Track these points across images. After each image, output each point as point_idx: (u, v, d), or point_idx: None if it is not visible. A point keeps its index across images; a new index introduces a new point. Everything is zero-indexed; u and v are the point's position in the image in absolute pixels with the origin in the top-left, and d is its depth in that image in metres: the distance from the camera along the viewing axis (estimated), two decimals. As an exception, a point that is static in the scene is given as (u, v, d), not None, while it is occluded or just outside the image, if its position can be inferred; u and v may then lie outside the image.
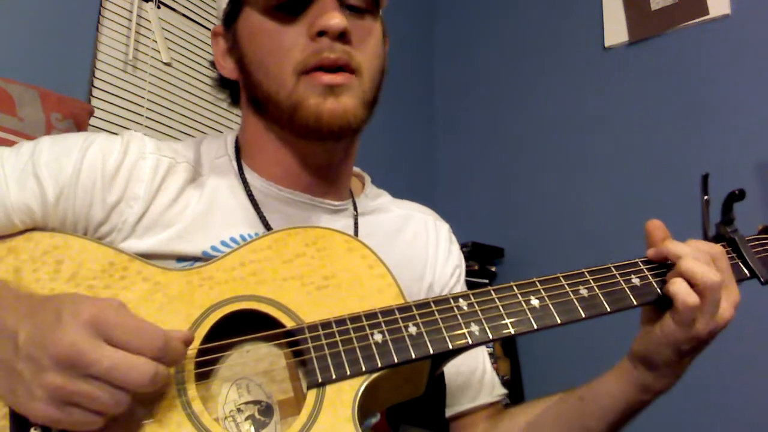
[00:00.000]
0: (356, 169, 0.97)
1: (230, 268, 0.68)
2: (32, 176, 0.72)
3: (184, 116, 1.92)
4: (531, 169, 2.48)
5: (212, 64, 0.89)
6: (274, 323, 0.65)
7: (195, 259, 0.75)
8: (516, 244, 2.41)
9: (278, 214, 0.82)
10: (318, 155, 0.83)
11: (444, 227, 1.00)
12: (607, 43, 2.37)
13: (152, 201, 0.76)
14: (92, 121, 1.58)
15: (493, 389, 0.93)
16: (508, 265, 2.40)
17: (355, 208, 0.90)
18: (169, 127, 1.87)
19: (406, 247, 0.92)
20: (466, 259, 2.31)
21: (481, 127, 2.69)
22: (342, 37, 0.76)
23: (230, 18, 0.84)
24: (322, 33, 0.75)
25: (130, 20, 1.81)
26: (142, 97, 1.82)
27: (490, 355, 2.17)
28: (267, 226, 0.81)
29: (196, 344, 0.62)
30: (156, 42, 1.87)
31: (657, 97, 2.22)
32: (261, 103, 0.82)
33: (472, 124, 2.72)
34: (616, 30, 2.35)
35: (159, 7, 1.89)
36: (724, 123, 2.06)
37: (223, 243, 0.77)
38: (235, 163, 0.85)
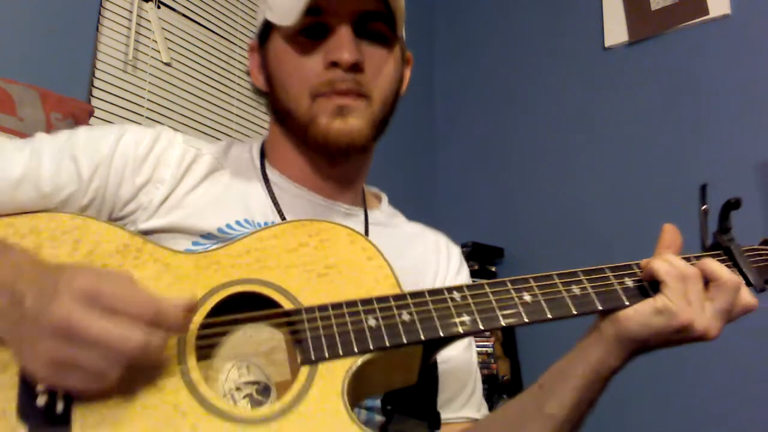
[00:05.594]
0: (375, 189, 1.04)
1: (236, 255, 0.71)
2: (69, 156, 0.79)
3: (184, 116, 1.92)
4: (531, 169, 2.48)
5: (248, 72, 0.98)
6: (275, 306, 0.68)
7: (210, 235, 0.80)
8: (516, 244, 2.41)
9: (292, 208, 0.88)
10: (329, 167, 0.91)
11: (456, 249, 1.04)
12: (607, 43, 2.37)
13: (177, 185, 0.83)
14: (92, 121, 1.58)
15: (480, 408, 0.94)
16: (508, 265, 2.40)
17: (366, 218, 0.95)
18: (169, 127, 1.87)
19: (416, 259, 0.93)
20: (466, 258, 2.32)
21: (481, 127, 2.69)
22: (354, 68, 0.83)
23: (263, 37, 0.91)
24: (336, 64, 0.82)
25: (130, 20, 1.81)
26: (142, 97, 1.82)
27: (490, 355, 2.17)
28: (281, 216, 0.86)
29: (198, 320, 0.65)
30: (156, 42, 1.87)
31: (657, 97, 2.22)
32: (282, 116, 0.90)
33: (472, 125, 2.72)
34: (616, 30, 2.35)
35: (159, 7, 1.89)
36: (724, 123, 2.06)
37: (238, 223, 0.82)
38: (258, 162, 0.93)
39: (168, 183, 0.82)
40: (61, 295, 0.55)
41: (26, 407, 0.58)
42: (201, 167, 0.86)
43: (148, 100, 1.83)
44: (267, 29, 0.89)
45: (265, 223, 0.83)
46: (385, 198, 1.04)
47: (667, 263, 0.71)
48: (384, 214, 1.00)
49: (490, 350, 2.17)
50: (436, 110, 2.84)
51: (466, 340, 0.97)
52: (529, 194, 2.45)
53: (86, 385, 0.56)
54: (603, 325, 0.73)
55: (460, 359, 0.94)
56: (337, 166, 0.91)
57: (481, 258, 2.34)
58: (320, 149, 0.87)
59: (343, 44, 0.82)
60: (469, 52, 2.81)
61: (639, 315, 0.71)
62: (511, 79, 2.63)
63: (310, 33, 0.85)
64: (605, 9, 2.39)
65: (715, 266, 0.72)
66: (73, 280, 0.56)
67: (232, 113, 2.06)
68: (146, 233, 0.78)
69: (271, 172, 0.91)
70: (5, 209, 0.74)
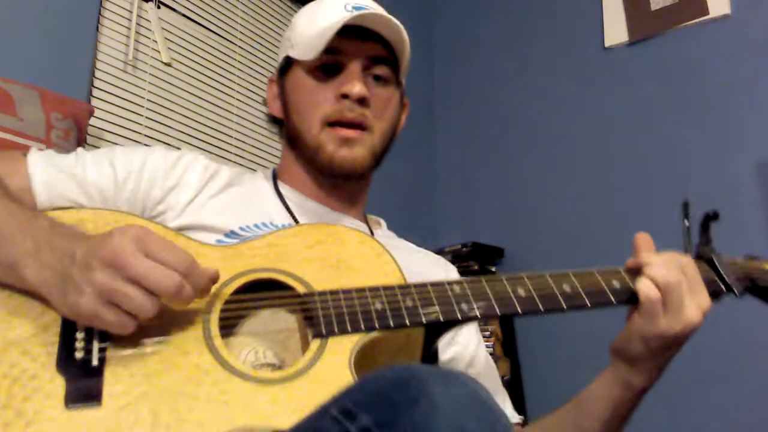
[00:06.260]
0: (375, 217, 1.13)
1: (258, 248, 0.80)
2: (108, 163, 0.90)
3: (184, 116, 1.92)
4: (531, 169, 2.48)
5: (264, 102, 1.09)
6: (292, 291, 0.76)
7: (231, 233, 0.88)
8: (516, 244, 2.41)
9: (305, 216, 0.98)
10: (333, 187, 1.02)
11: (453, 268, 1.11)
12: (607, 43, 2.37)
13: (202, 189, 0.93)
14: (92, 121, 1.58)
15: (513, 414, 1.00)
16: (508, 265, 2.40)
17: (372, 232, 1.04)
18: (169, 127, 1.87)
19: (416, 270, 0.98)
20: (466, 258, 2.32)
21: (480, 127, 2.69)
22: (362, 101, 0.94)
23: (283, 71, 1.03)
24: (346, 96, 0.94)
25: (130, 20, 1.81)
26: (142, 97, 1.82)
27: (491, 355, 2.17)
28: (296, 221, 0.95)
29: (222, 299, 0.73)
30: (156, 42, 1.87)
31: (657, 97, 2.22)
32: (294, 140, 1.01)
33: (471, 124, 2.72)
34: (616, 30, 2.35)
35: (159, 7, 1.89)
36: (724, 123, 2.06)
37: (256, 226, 0.90)
38: (271, 180, 1.03)
39: (194, 187, 0.92)
40: (113, 236, 0.64)
41: (64, 361, 0.65)
42: (221, 179, 0.96)
43: (148, 100, 1.83)
44: (287, 65, 1.01)
45: (283, 225, 0.92)
46: (384, 223, 1.13)
47: (646, 283, 0.76)
48: (385, 236, 1.09)
49: (490, 350, 2.17)
50: (436, 110, 2.84)
51: (483, 354, 1.05)
52: (529, 194, 2.45)
53: (123, 321, 0.63)
54: (610, 348, 0.82)
55: (485, 373, 1.01)
56: (339, 188, 1.02)
57: (481, 258, 2.34)
58: (325, 171, 0.98)
59: (354, 79, 0.94)
60: (469, 52, 2.81)
61: (622, 337, 0.80)
62: (511, 79, 2.63)
63: (326, 69, 0.97)
64: (605, 9, 2.39)
65: (660, 275, 0.76)
66: (126, 229, 0.65)
67: (232, 113, 2.06)
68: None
69: (283, 188, 1.02)
70: (54, 204, 0.84)
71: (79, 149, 0.93)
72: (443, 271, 1.06)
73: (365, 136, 0.96)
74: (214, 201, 0.92)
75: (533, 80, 2.56)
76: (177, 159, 0.93)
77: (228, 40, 2.09)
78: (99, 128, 1.68)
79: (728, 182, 1.93)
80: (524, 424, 0.99)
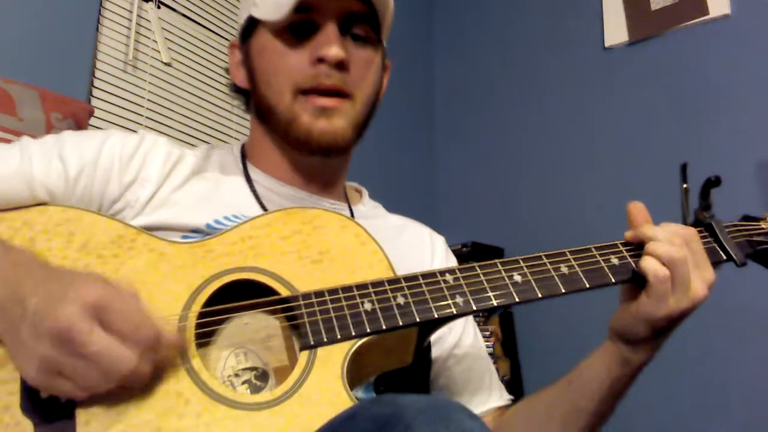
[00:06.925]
0: (355, 184, 1.04)
1: (231, 243, 0.72)
2: (57, 156, 0.79)
3: (184, 116, 1.92)
4: (531, 168, 2.48)
5: (227, 71, 0.97)
6: (271, 293, 0.69)
7: (198, 230, 0.80)
8: (516, 244, 2.41)
9: (279, 205, 0.87)
10: (311, 164, 0.91)
11: (440, 239, 1.06)
12: (607, 43, 2.37)
13: (163, 183, 0.83)
14: (92, 121, 1.58)
15: (502, 394, 0.97)
16: (508, 265, 2.40)
17: (352, 212, 0.96)
18: (169, 127, 1.87)
19: (401, 252, 0.94)
20: (466, 259, 2.32)
21: (481, 127, 2.68)
22: (340, 66, 0.83)
23: (246, 34, 0.91)
24: (321, 59, 0.82)
25: (130, 20, 1.81)
26: (142, 97, 1.82)
27: (490, 355, 2.17)
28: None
29: (196, 309, 0.66)
30: (156, 42, 1.87)
31: (657, 97, 2.22)
32: (264, 113, 0.90)
33: (472, 125, 2.72)
34: (616, 30, 2.35)
35: (159, 7, 1.89)
36: (724, 123, 2.06)
37: (226, 218, 0.82)
38: (240, 163, 0.93)
39: (154, 181, 0.82)
40: (69, 302, 0.55)
41: (30, 401, 0.58)
42: (185, 168, 0.86)
43: (148, 100, 1.83)
44: (250, 27, 0.89)
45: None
46: (365, 192, 1.04)
47: (652, 261, 0.72)
48: (367, 208, 1.01)
49: (490, 350, 2.17)
50: (436, 110, 2.84)
51: (471, 332, 0.99)
52: (529, 194, 2.45)
53: (76, 393, 0.56)
54: (609, 328, 0.78)
55: (472, 353, 0.96)
56: (315, 166, 0.91)
57: (481, 258, 2.33)
58: (301, 147, 0.87)
59: (331, 41, 0.82)
60: (469, 52, 2.81)
61: (623, 318, 0.76)
62: (511, 79, 2.63)
63: (296, 30, 0.85)
64: (605, 9, 2.39)
65: (665, 251, 0.72)
66: (83, 289, 0.56)
67: (233, 113, 2.06)
68: None
69: (253, 172, 0.92)
70: None
71: (24, 138, 0.83)
72: (428, 249, 1.01)
73: (345, 104, 0.84)
74: (177, 195, 0.83)
75: (533, 80, 2.56)
76: (135, 147, 0.83)
77: (228, 40, 2.09)
78: (99, 128, 1.68)
79: (728, 182, 1.93)
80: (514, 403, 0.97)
